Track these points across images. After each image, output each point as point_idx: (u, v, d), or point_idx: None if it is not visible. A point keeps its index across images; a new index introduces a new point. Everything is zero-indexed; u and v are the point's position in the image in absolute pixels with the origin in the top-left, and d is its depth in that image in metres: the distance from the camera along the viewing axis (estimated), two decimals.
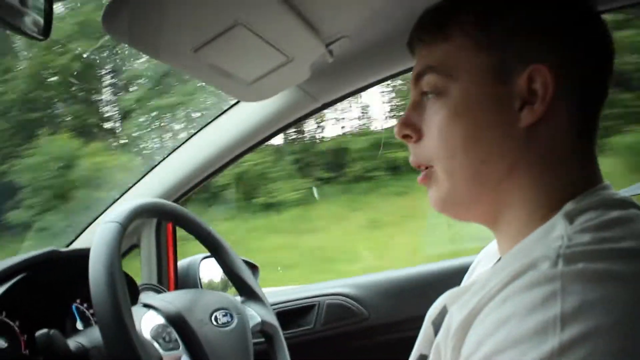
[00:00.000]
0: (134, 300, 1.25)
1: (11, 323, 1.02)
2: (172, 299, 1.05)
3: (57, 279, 1.13)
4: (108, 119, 6.84)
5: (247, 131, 1.39)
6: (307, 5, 0.83)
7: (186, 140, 1.48)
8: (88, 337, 0.95)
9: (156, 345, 0.95)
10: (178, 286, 1.57)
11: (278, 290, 1.87)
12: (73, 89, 6.44)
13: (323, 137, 6.78)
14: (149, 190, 1.50)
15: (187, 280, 1.55)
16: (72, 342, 0.93)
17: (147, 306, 1.03)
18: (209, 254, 1.25)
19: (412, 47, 0.74)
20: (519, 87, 0.63)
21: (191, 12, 0.77)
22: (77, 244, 1.53)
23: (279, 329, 1.21)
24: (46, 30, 0.64)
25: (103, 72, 6.65)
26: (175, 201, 1.49)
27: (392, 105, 6.58)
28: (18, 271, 1.05)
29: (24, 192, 5.15)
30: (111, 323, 0.84)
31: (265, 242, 5.44)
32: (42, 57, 6.13)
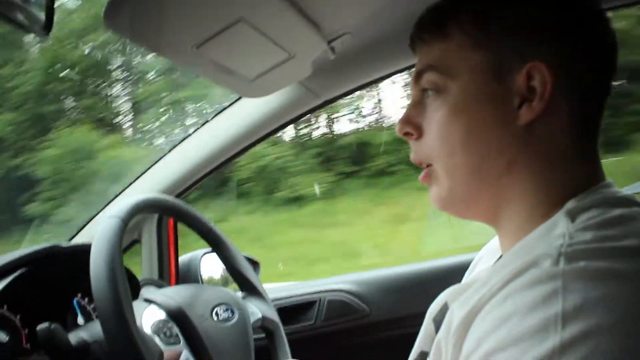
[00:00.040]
0: (135, 295, 1.25)
1: (12, 317, 1.02)
2: (173, 294, 1.05)
3: (59, 274, 1.13)
4: (125, 112, 6.82)
5: (249, 127, 1.39)
6: (309, 2, 0.83)
7: (188, 136, 1.48)
8: (89, 331, 0.96)
9: (157, 340, 0.95)
10: (179, 281, 1.57)
11: (279, 286, 1.87)
12: (88, 81, 6.43)
13: (345, 131, 6.74)
14: (150, 185, 1.50)
15: (188, 276, 1.55)
16: (73, 337, 0.93)
17: (148, 301, 1.03)
18: (210, 249, 1.25)
19: (413, 45, 0.74)
20: (518, 85, 0.63)
21: (193, 9, 0.77)
22: (79, 239, 1.53)
23: (280, 324, 1.22)
24: (47, 26, 0.64)
25: (120, 64, 6.64)
26: (177, 196, 1.49)
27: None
28: (20, 265, 1.05)
29: (43, 185, 5.14)
30: (112, 318, 0.84)
31: (287, 236, 5.41)
32: (57, 50, 6.12)
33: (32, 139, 5.87)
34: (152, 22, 0.78)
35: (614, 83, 0.67)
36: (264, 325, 1.18)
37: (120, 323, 0.84)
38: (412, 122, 0.72)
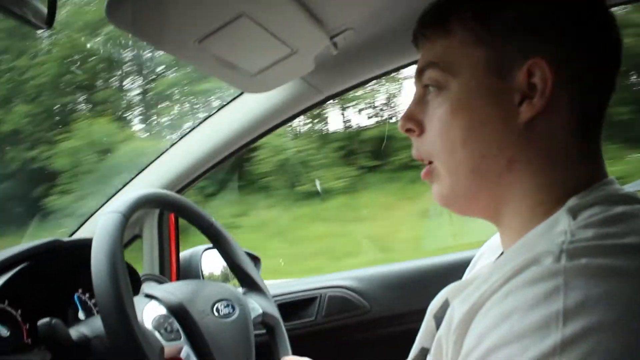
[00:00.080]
0: (136, 290, 1.25)
1: (13, 312, 1.03)
2: (174, 290, 1.05)
3: (60, 269, 1.13)
4: (143, 104, 6.75)
5: (250, 123, 1.39)
6: None
7: (189, 132, 1.48)
8: (90, 326, 0.96)
9: (158, 335, 0.95)
10: (180, 277, 1.57)
11: (280, 282, 1.87)
12: (105, 73, 6.38)
13: (367, 125, 6.66)
14: (151, 180, 1.50)
15: (189, 271, 1.55)
16: (74, 332, 0.93)
17: (149, 296, 1.03)
18: (211, 245, 1.25)
19: (416, 41, 0.74)
20: (518, 82, 0.63)
21: (195, 3, 0.77)
22: (80, 234, 1.53)
23: (281, 320, 1.22)
24: (49, 19, 0.64)
25: (136, 55, 6.58)
26: (179, 192, 1.49)
27: None
28: (21, 260, 1.05)
29: (61, 178, 5.10)
30: (113, 313, 0.84)
31: (310, 231, 5.32)
32: (74, 41, 6.07)
33: (48, 131, 5.81)
34: (154, 16, 0.78)
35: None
36: (264, 320, 1.18)
37: (121, 318, 0.84)
38: (414, 119, 0.72)
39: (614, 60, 0.65)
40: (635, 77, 4.90)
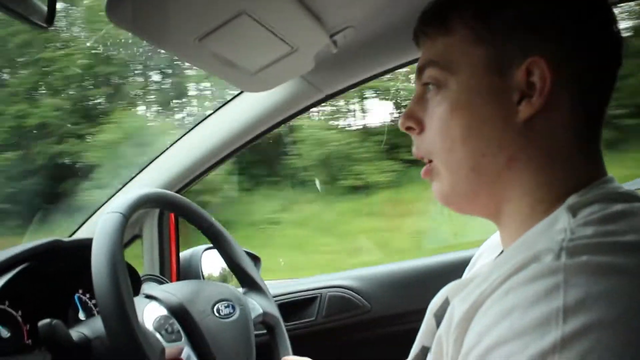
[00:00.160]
0: (136, 291, 1.25)
1: (14, 313, 1.02)
2: (175, 290, 1.05)
3: (60, 269, 1.13)
4: (177, 96, 6.62)
5: (250, 122, 1.39)
6: None
7: (189, 131, 1.48)
8: (90, 327, 0.95)
9: (158, 336, 0.95)
10: (180, 277, 1.57)
11: (280, 282, 1.87)
12: (138, 64, 6.27)
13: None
14: (151, 180, 1.50)
15: (189, 272, 1.55)
16: (75, 332, 0.93)
17: (150, 297, 1.03)
18: (211, 245, 1.25)
19: (417, 39, 0.74)
20: (517, 80, 0.63)
21: (195, 1, 0.76)
22: (80, 234, 1.53)
23: (281, 320, 1.22)
24: (49, 18, 0.64)
25: None
26: (178, 191, 1.49)
27: None
28: (21, 261, 1.05)
29: (98, 172, 5.01)
30: (113, 314, 0.84)
31: (356, 226, 5.23)
32: (106, 31, 5.97)
33: (77, 124, 5.70)
34: (154, 14, 0.78)
35: None
36: (265, 320, 1.18)
37: (122, 319, 0.84)
38: (414, 117, 0.72)
39: (614, 58, 0.65)
40: None
